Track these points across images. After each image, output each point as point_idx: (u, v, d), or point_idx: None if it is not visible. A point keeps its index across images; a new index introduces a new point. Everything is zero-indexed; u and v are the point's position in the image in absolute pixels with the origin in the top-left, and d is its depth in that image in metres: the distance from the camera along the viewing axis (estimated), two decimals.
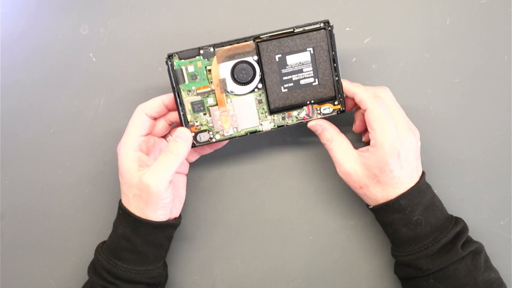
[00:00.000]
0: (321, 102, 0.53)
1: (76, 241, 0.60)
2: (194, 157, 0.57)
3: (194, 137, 0.53)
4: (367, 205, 0.53)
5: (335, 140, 0.52)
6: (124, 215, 0.52)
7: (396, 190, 0.50)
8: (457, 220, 0.52)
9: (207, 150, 0.56)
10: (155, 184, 0.49)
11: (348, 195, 0.59)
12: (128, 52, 0.59)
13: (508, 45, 0.57)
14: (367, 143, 0.53)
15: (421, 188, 0.51)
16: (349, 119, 0.57)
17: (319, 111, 0.53)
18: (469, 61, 0.58)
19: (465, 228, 0.52)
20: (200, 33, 0.58)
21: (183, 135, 0.51)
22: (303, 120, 0.54)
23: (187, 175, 0.57)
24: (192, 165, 0.59)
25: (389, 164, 0.49)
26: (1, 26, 0.59)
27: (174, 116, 0.54)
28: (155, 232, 0.52)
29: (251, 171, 0.59)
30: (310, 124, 0.53)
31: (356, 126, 0.55)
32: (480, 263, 0.50)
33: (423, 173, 0.52)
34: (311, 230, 0.60)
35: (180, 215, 0.56)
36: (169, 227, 0.53)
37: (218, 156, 0.59)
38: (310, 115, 0.53)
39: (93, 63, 0.59)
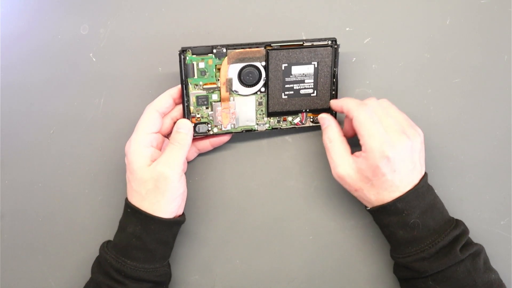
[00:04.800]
0: (316, 112, 0.57)
1: (76, 241, 0.60)
2: (193, 155, 0.58)
3: (194, 128, 0.55)
4: (365, 207, 0.54)
5: (335, 141, 0.53)
6: (133, 213, 0.53)
7: (391, 194, 0.50)
8: (457, 223, 0.52)
9: (208, 147, 0.58)
10: (170, 173, 0.51)
11: (348, 195, 0.59)
12: (128, 52, 0.59)
13: (508, 45, 0.57)
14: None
15: (420, 191, 0.51)
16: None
17: (311, 119, 0.58)
18: (469, 61, 0.58)
19: (464, 231, 0.51)
20: (200, 33, 0.58)
21: (185, 126, 0.54)
22: (295, 126, 0.57)
23: (186, 174, 0.57)
24: (193, 165, 0.59)
25: (379, 168, 0.49)
26: (1, 26, 0.59)
27: (179, 113, 0.55)
28: (165, 229, 0.53)
29: (251, 171, 0.59)
30: (320, 116, 0.55)
31: (345, 131, 0.55)
32: (480, 265, 0.50)
33: (425, 174, 0.52)
34: (311, 230, 0.60)
35: (183, 212, 0.56)
36: (176, 224, 0.54)
37: (218, 156, 0.59)
38: (303, 121, 0.57)
39: (93, 63, 0.59)
